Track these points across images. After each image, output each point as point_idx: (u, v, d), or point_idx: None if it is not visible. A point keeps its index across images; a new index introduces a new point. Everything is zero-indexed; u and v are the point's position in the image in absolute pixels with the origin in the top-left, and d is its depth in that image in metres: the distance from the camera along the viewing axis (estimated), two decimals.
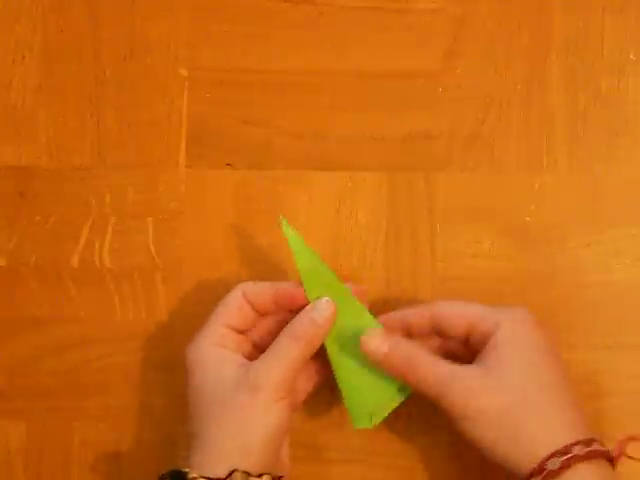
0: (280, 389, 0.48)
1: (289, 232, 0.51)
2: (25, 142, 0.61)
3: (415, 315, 0.51)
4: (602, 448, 0.46)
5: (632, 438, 0.48)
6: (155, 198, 0.59)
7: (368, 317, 0.51)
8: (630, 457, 0.48)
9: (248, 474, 0.47)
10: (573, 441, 0.45)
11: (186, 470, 0.47)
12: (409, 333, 0.52)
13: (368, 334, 0.50)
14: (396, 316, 0.52)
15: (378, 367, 0.50)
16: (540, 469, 0.45)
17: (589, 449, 0.45)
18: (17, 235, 0.60)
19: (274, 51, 0.60)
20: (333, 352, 0.51)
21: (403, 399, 0.51)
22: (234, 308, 0.52)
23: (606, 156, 0.57)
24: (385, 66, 0.59)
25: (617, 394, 0.55)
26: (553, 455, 0.45)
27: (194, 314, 0.58)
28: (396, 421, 0.55)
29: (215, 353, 0.50)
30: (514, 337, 0.48)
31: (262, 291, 0.52)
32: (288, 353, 0.49)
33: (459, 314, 0.50)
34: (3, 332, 0.59)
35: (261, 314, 0.53)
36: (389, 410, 0.51)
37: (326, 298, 0.50)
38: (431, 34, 0.59)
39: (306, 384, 0.53)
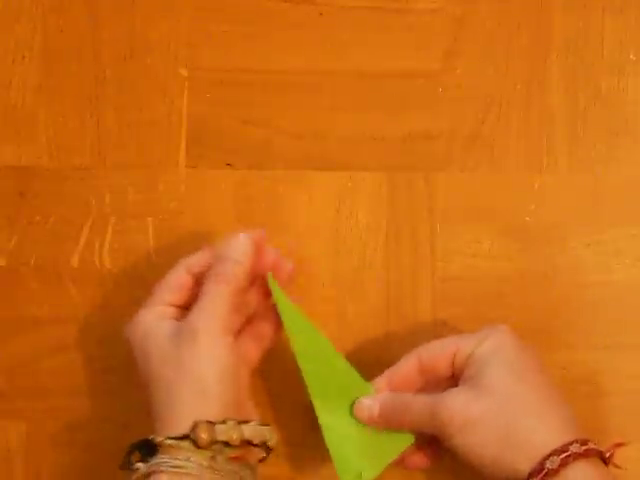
0: (214, 331, 0.48)
1: (275, 289, 0.52)
2: (25, 142, 0.61)
3: (401, 367, 0.52)
4: (597, 447, 0.47)
5: (619, 445, 0.48)
6: (155, 198, 0.59)
7: (357, 378, 0.52)
8: (616, 466, 0.48)
9: (211, 423, 0.47)
10: (571, 439, 0.46)
11: (151, 437, 0.47)
12: (399, 386, 0.52)
13: (359, 403, 0.51)
14: (383, 378, 0.52)
15: (376, 427, 0.51)
16: (539, 468, 0.45)
17: (586, 447, 0.46)
18: (17, 235, 0.60)
19: (274, 51, 0.60)
20: (323, 414, 0.51)
21: (407, 445, 0.51)
22: (175, 285, 0.52)
23: (606, 156, 0.57)
24: (385, 66, 0.59)
25: (617, 394, 0.55)
26: (551, 454, 0.45)
27: None
28: None
29: (152, 322, 0.50)
30: (494, 348, 0.49)
31: (203, 259, 0.52)
32: (217, 295, 0.49)
33: (442, 350, 0.51)
34: (3, 332, 0.59)
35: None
36: (394, 457, 0.51)
37: (242, 234, 0.51)
38: (431, 34, 0.59)
39: (255, 346, 0.53)
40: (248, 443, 0.48)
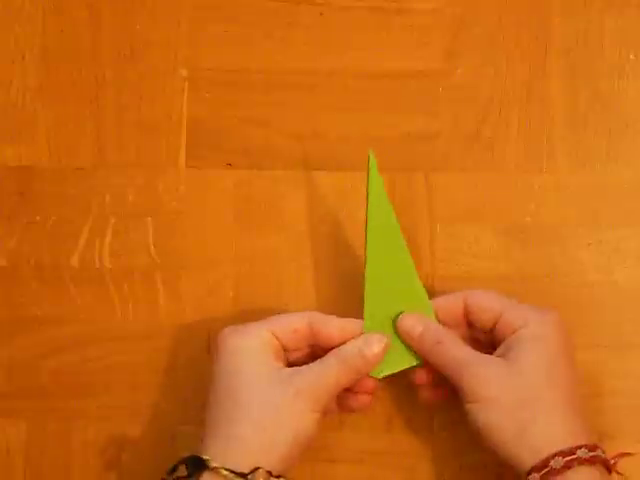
0: (319, 401, 0.49)
1: (373, 171, 0.51)
2: (25, 142, 0.61)
3: (448, 301, 0.52)
4: (603, 455, 0.47)
5: (623, 454, 0.49)
6: (155, 198, 0.59)
7: (420, 293, 0.52)
8: (619, 473, 0.48)
9: (270, 474, 0.47)
10: (579, 444, 0.46)
11: (207, 458, 0.47)
12: (442, 319, 0.52)
13: (406, 316, 0.51)
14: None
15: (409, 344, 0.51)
16: (543, 465, 0.45)
17: (593, 454, 0.46)
18: (17, 235, 0.60)
19: (274, 51, 0.60)
20: (371, 306, 0.52)
21: (415, 364, 0.52)
22: (291, 326, 0.51)
23: (606, 156, 0.57)
24: (385, 66, 0.59)
25: (617, 394, 0.55)
26: (558, 454, 0.45)
27: (194, 314, 0.58)
28: (400, 421, 0.56)
29: (259, 347, 0.50)
30: (538, 335, 0.49)
31: (328, 332, 0.51)
32: (334, 372, 0.49)
33: (490, 304, 0.51)
34: (3, 332, 0.59)
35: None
36: (400, 368, 0.52)
37: (379, 335, 0.51)
38: (431, 34, 0.59)
39: (348, 406, 0.53)
40: None
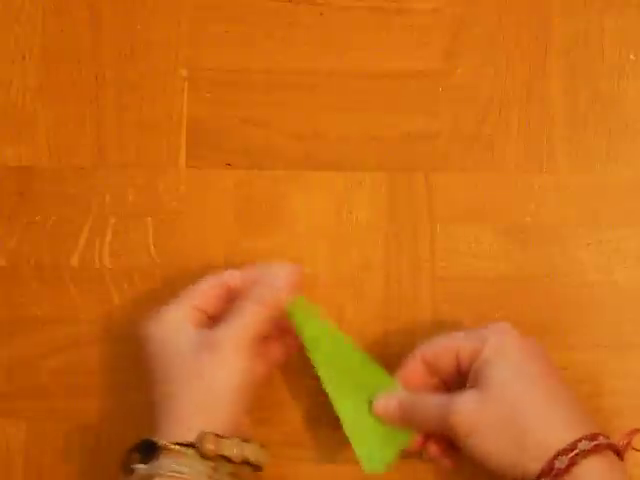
0: (240, 348, 0.49)
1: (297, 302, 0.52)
2: (25, 142, 0.61)
3: (408, 367, 0.52)
4: (607, 441, 0.46)
5: (638, 430, 0.48)
6: (155, 198, 0.59)
7: (381, 374, 0.52)
8: (636, 449, 0.48)
9: (219, 436, 0.47)
10: (578, 437, 0.45)
11: (154, 439, 0.47)
12: (411, 386, 0.52)
13: (377, 399, 0.52)
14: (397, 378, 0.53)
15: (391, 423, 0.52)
16: (549, 469, 0.45)
17: (595, 443, 0.45)
18: (17, 235, 0.60)
19: (274, 51, 0.60)
20: (342, 407, 0.52)
21: (407, 443, 0.52)
22: (206, 292, 0.52)
23: (606, 156, 0.57)
24: (385, 66, 0.59)
25: (617, 394, 0.55)
26: (560, 454, 0.45)
27: None
28: None
29: (176, 322, 0.50)
30: (497, 349, 0.49)
31: (239, 276, 0.52)
32: (249, 316, 0.50)
33: (443, 346, 0.51)
34: (3, 332, 0.59)
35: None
36: (396, 451, 0.52)
37: (290, 264, 0.52)
38: (431, 34, 0.59)
39: (265, 367, 0.53)
40: (246, 462, 0.48)
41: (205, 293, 0.52)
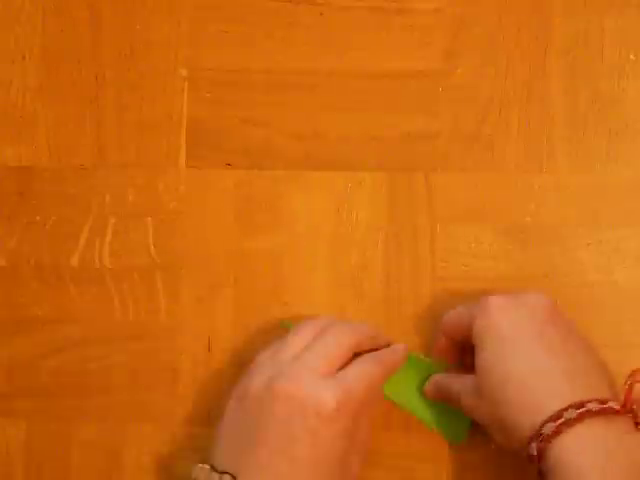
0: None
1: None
2: (25, 142, 0.61)
3: (436, 342, 0.55)
4: (598, 406, 0.45)
5: (632, 380, 0.47)
6: (155, 198, 0.59)
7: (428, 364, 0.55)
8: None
9: None
10: (564, 406, 0.45)
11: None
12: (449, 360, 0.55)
13: (425, 385, 0.55)
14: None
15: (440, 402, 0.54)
16: (537, 434, 0.45)
17: (581, 411, 0.44)
18: (17, 235, 0.60)
19: (274, 51, 0.60)
20: (412, 404, 0.55)
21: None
22: (342, 351, 0.51)
23: (606, 156, 0.57)
24: (385, 66, 0.59)
25: (617, 394, 0.55)
26: (548, 420, 0.45)
27: (194, 314, 0.58)
28: (397, 422, 0.56)
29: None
30: (484, 326, 0.49)
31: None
32: (370, 371, 0.51)
33: (453, 323, 0.53)
34: (3, 332, 0.59)
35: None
36: (467, 424, 0.54)
37: (404, 346, 0.55)
38: (431, 34, 0.59)
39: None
40: None
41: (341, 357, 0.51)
